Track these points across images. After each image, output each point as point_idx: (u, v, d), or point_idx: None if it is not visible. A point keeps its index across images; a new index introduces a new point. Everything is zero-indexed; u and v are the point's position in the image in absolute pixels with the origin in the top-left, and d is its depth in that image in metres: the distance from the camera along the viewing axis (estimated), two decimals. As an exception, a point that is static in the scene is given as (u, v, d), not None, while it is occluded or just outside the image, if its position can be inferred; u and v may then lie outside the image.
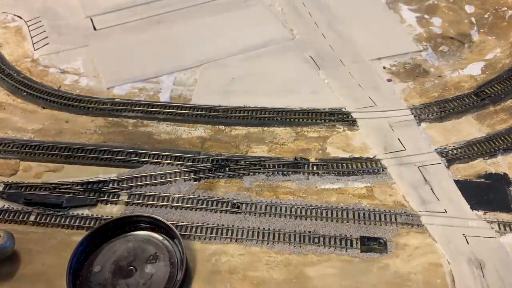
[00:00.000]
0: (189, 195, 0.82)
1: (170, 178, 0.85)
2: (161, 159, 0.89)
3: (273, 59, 1.11)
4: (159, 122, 0.97)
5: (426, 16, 1.21)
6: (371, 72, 1.04)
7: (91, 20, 1.22)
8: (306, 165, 0.89)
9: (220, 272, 0.70)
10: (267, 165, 0.85)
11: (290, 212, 0.84)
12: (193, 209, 0.81)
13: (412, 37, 1.13)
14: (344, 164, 0.98)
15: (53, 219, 0.86)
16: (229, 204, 0.80)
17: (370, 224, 0.96)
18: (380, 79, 1.02)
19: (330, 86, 1.00)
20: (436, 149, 0.88)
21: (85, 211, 0.82)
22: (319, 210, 0.86)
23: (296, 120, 0.96)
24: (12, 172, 0.95)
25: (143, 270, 0.68)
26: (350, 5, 1.25)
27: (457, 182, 0.84)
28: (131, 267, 0.70)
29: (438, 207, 0.83)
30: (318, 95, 1.00)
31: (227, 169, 0.85)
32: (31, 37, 1.19)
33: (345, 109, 0.95)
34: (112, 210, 0.79)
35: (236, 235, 0.77)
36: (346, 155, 0.90)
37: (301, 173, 0.87)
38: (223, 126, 0.95)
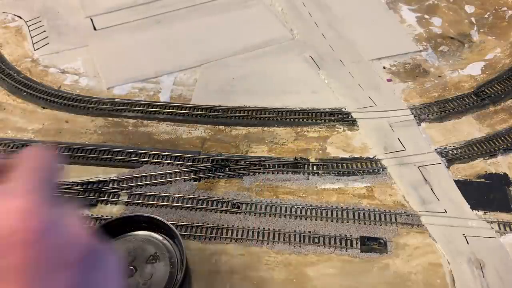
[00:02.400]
0: (189, 195, 0.81)
1: (170, 178, 0.84)
2: (161, 159, 0.88)
3: (273, 59, 1.10)
4: (159, 122, 0.96)
5: (426, 16, 1.20)
6: (371, 72, 1.03)
7: (91, 20, 1.21)
8: (306, 165, 0.89)
9: (220, 272, 0.69)
10: (267, 165, 0.84)
11: (290, 212, 0.83)
12: (193, 209, 0.80)
13: (412, 37, 1.12)
14: (344, 164, 0.97)
15: (53, 219, 0.87)
16: (229, 204, 0.79)
17: (370, 224, 0.95)
18: (380, 79, 1.01)
19: (330, 86, 0.99)
20: (436, 149, 0.87)
21: (85, 211, 0.81)
22: (319, 210, 0.85)
23: (296, 120, 0.94)
24: (11, 172, 0.96)
25: (143, 270, 0.68)
26: (350, 5, 1.25)
27: (457, 182, 0.84)
28: (131, 267, 0.70)
29: (438, 207, 0.82)
30: (318, 95, 0.99)
31: (227, 169, 0.85)
32: (31, 37, 1.18)
33: (345, 109, 0.93)
34: (112, 210, 0.78)
35: (236, 235, 0.76)
36: (346, 155, 0.89)
37: (301, 173, 0.87)
38: (223, 126, 0.94)
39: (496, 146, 0.77)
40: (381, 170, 0.72)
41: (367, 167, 0.74)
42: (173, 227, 0.67)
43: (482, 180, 0.71)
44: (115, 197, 0.71)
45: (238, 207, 0.68)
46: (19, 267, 0.27)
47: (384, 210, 0.67)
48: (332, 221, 0.70)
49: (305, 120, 0.85)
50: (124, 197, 0.70)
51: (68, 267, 0.29)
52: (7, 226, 0.27)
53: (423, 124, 0.81)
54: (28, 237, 0.28)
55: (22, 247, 0.27)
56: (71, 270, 0.29)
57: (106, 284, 0.31)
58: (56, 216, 0.30)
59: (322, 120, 0.83)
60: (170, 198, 0.71)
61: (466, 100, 0.86)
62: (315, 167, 0.77)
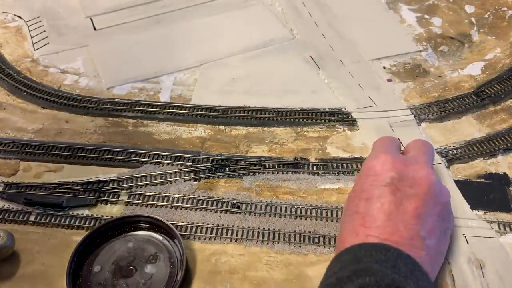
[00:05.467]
0: (189, 195, 0.81)
1: (170, 178, 0.84)
2: (161, 159, 0.88)
3: (273, 59, 1.09)
4: (159, 122, 0.95)
5: (426, 16, 1.20)
6: (371, 72, 1.02)
7: (91, 20, 1.21)
8: (306, 165, 0.88)
9: (220, 272, 0.69)
10: (267, 165, 0.83)
11: (290, 212, 0.83)
12: (193, 209, 0.79)
13: (412, 37, 1.12)
14: (344, 164, 0.96)
15: (53, 219, 0.85)
16: (229, 204, 0.78)
17: (370, 224, 0.97)
18: (380, 79, 1.01)
19: (330, 86, 0.98)
20: (436, 149, 0.87)
21: (85, 211, 0.81)
22: (319, 210, 0.84)
23: (296, 120, 0.94)
24: (12, 172, 0.94)
25: (143, 270, 0.68)
26: (350, 5, 1.24)
27: (457, 182, 0.83)
28: (131, 267, 0.70)
29: (438, 207, 0.83)
30: (318, 95, 0.99)
31: (227, 169, 0.84)
32: (31, 37, 1.18)
33: (345, 109, 0.93)
34: (112, 210, 0.78)
35: (236, 235, 0.76)
36: (346, 155, 0.89)
37: (301, 173, 0.87)
38: (223, 126, 0.94)
39: (496, 146, 0.77)
40: (381, 170, 0.72)
41: (367, 167, 0.73)
42: (173, 227, 0.67)
43: (482, 180, 0.71)
44: (115, 197, 0.71)
45: (238, 207, 0.69)
46: (419, 196, 0.52)
47: (384, 210, 0.66)
48: (332, 221, 0.70)
49: (305, 120, 0.85)
50: (124, 197, 0.71)
51: (439, 205, 0.54)
52: (417, 176, 0.53)
53: (423, 124, 0.81)
54: (429, 184, 0.53)
55: (424, 188, 0.53)
56: (441, 207, 0.54)
57: (448, 222, 0.58)
58: (438, 177, 0.56)
59: (322, 120, 0.83)
60: (170, 198, 0.72)
61: (466, 100, 0.87)
62: (315, 167, 0.77)
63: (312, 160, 0.81)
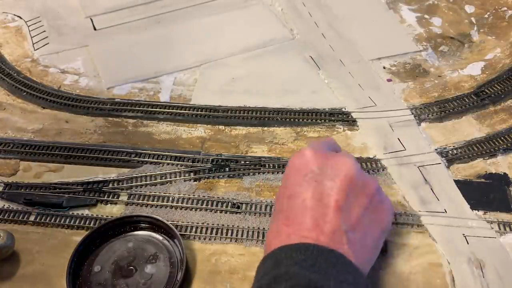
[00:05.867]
0: (189, 195, 0.80)
1: (170, 178, 0.84)
2: (161, 159, 0.88)
3: (273, 59, 1.08)
4: (159, 122, 0.95)
5: (426, 16, 1.20)
6: (371, 72, 1.02)
7: (91, 20, 1.21)
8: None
9: (220, 272, 0.69)
10: (267, 165, 0.83)
11: (290, 212, 0.83)
12: (193, 209, 0.79)
13: (412, 37, 1.12)
14: (344, 164, 0.97)
15: (53, 219, 0.85)
16: (229, 204, 0.78)
17: (370, 224, 0.95)
18: (380, 79, 1.00)
19: (330, 86, 0.98)
20: (436, 149, 0.86)
21: (85, 211, 0.81)
22: (319, 210, 0.85)
23: (296, 120, 0.93)
24: (12, 172, 0.94)
25: (143, 270, 0.68)
26: (350, 5, 1.24)
27: (457, 182, 0.83)
28: (131, 267, 0.69)
29: (438, 207, 0.81)
30: (318, 95, 0.98)
31: (227, 169, 0.84)
32: (31, 37, 1.17)
33: (345, 109, 0.93)
34: (112, 210, 0.78)
35: (236, 235, 0.75)
36: (346, 155, 0.90)
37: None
38: (223, 126, 0.94)
39: (496, 146, 0.77)
40: (381, 170, 0.72)
41: (367, 167, 0.74)
42: (173, 227, 0.67)
43: (482, 180, 0.72)
44: (115, 197, 0.71)
45: (238, 207, 0.69)
46: (340, 188, 0.50)
47: (384, 210, 0.66)
48: (332, 221, 0.70)
49: (305, 120, 0.85)
50: (124, 197, 0.71)
51: (365, 197, 0.52)
52: (337, 169, 0.51)
53: (423, 124, 0.81)
54: (350, 176, 0.51)
55: (345, 180, 0.50)
56: (367, 198, 0.52)
57: (381, 214, 0.54)
58: (362, 170, 0.55)
59: (322, 120, 0.84)
60: (170, 198, 0.72)
61: (466, 100, 0.87)
62: (315, 167, 0.76)
63: (312, 160, 0.81)
